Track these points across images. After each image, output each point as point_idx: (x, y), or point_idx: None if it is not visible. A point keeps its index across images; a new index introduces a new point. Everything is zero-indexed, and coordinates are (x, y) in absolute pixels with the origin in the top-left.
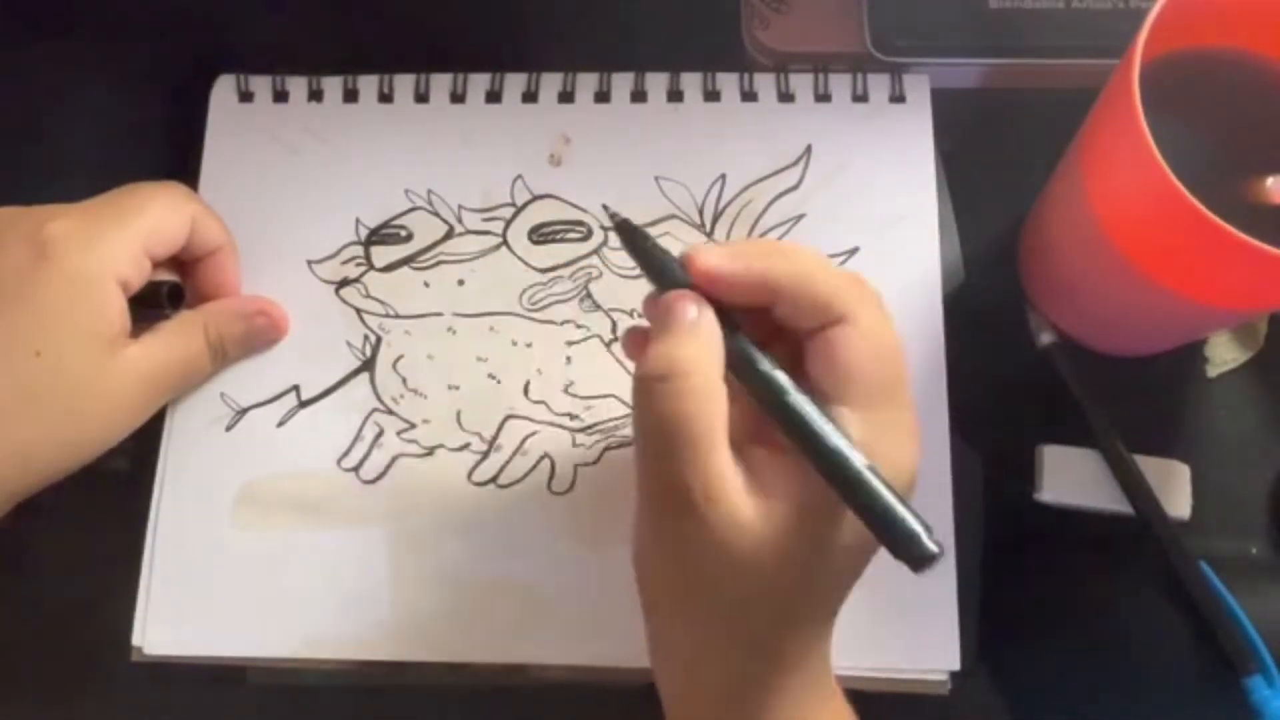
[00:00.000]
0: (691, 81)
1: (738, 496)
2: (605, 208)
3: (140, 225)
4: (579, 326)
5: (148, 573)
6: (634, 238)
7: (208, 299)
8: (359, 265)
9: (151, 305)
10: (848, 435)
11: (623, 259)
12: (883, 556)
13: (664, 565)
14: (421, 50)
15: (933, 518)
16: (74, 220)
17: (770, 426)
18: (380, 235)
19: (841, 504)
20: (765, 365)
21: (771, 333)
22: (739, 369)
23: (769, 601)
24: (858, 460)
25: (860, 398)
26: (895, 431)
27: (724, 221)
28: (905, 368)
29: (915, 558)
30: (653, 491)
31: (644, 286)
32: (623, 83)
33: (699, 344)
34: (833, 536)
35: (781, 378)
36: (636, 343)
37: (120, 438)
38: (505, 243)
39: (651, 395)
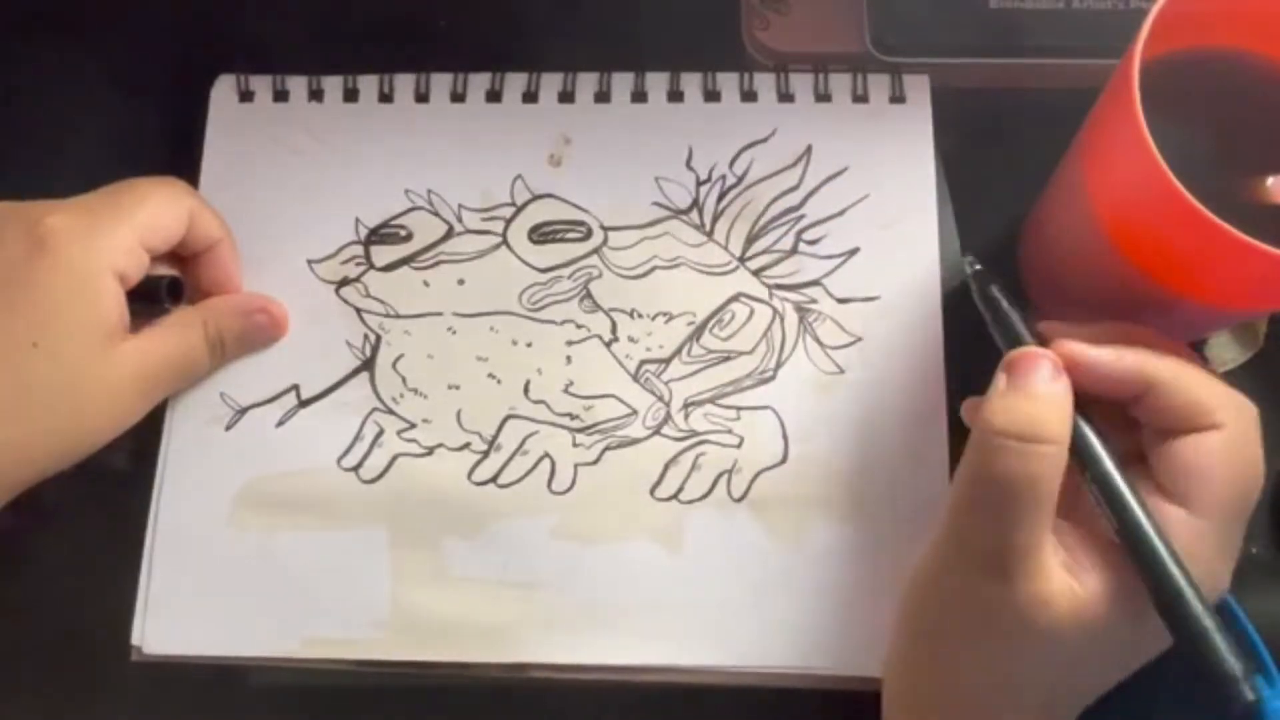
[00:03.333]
0: (691, 81)
1: (1055, 572)
2: (968, 260)
3: (137, 219)
4: (579, 326)
5: (148, 573)
6: (989, 292)
7: (207, 294)
8: (359, 265)
9: (151, 300)
10: (1174, 545)
11: (623, 259)
12: (889, 555)
13: (956, 621)
14: (421, 50)
15: (931, 518)
16: (71, 214)
17: (1087, 508)
18: (380, 235)
19: (1146, 604)
20: (1107, 458)
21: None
22: (1078, 449)
23: (1048, 677)
24: (1190, 589)
25: (1205, 508)
26: (1221, 549)
27: (724, 221)
28: (1258, 488)
29: (1228, 698)
30: (973, 545)
31: (644, 285)
32: (623, 83)
33: (1061, 412)
34: (1127, 633)
35: (1118, 474)
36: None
37: (118, 432)
38: (505, 242)
39: (1004, 451)
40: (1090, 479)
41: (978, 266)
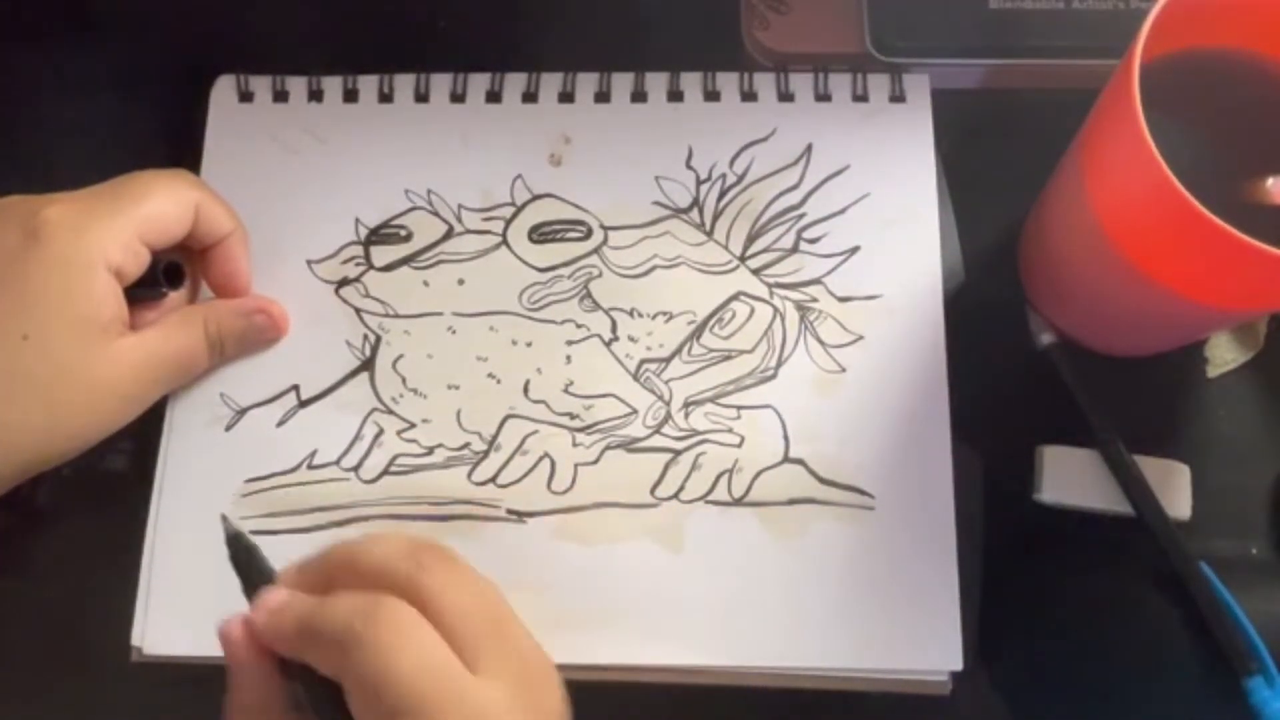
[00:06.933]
0: (691, 81)
1: None
2: (224, 519)
3: (136, 213)
4: (579, 326)
5: (148, 573)
6: (239, 554)
7: (218, 287)
8: (359, 265)
9: (148, 284)
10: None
11: (623, 258)
12: (890, 554)
13: None
14: (421, 50)
15: (933, 517)
16: (69, 206)
17: None
18: (380, 235)
19: None
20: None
21: None
22: None
23: None
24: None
25: None
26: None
27: (724, 220)
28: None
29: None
30: None
31: (644, 284)
32: (623, 83)
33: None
34: None
35: None
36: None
37: (114, 428)
38: (505, 242)
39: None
40: None
41: (233, 529)
